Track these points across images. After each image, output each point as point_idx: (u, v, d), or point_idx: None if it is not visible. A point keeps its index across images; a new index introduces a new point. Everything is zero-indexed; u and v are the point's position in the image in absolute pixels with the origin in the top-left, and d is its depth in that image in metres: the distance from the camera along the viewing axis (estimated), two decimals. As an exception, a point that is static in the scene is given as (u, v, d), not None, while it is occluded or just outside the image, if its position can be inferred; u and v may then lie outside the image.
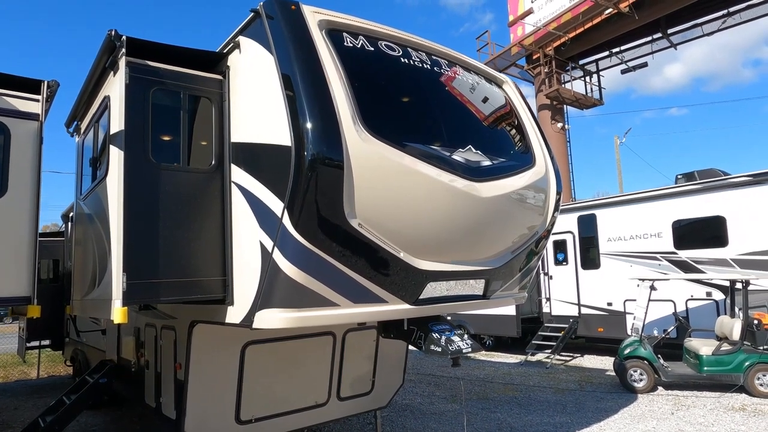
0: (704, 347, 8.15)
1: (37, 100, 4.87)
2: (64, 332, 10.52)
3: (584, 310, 11.79)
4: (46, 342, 11.24)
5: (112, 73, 4.26)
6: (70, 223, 7.85)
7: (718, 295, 9.78)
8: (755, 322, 8.29)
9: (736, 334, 8.04)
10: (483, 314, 12.03)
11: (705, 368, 7.98)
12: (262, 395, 5.24)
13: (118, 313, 3.67)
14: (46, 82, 4.95)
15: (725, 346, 8.05)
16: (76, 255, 5.92)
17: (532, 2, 22.15)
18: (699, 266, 9.93)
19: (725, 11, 19.70)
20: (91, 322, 8.21)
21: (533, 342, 11.96)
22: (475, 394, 8.71)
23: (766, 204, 9.20)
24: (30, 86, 4.89)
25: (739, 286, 8.31)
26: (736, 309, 8.55)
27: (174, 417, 5.08)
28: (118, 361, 6.91)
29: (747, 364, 7.82)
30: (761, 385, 7.73)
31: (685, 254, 10.18)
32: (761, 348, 7.96)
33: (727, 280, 8.86)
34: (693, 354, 8.32)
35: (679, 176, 11.91)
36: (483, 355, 12.86)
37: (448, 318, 11.78)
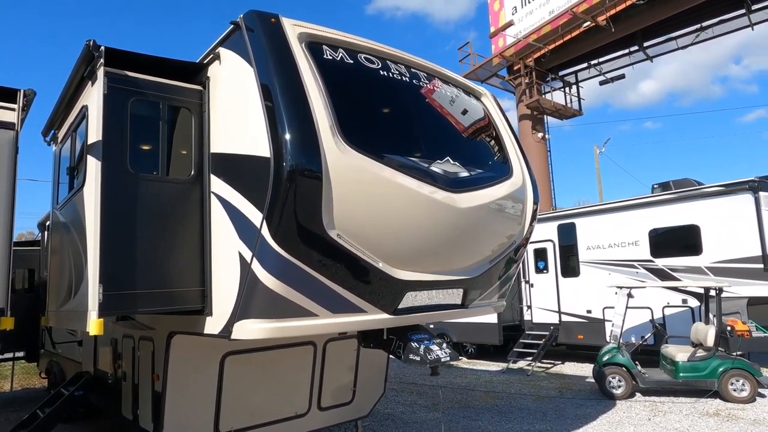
0: (680, 353, 8.31)
1: (13, 109, 4.81)
2: (39, 343, 10.30)
3: (564, 318, 11.93)
4: (21, 353, 10.99)
5: (90, 83, 4.24)
6: (46, 232, 7.73)
7: (693, 302, 9.99)
8: (728, 328, 8.49)
9: (710, 341, 8.21)
10: (465, 322, 12.09)
11: (681, 374, 8.13)
12: (242, 406, 5.20)
13: (94, 325, 3.63)
14: (22, 91, 4.90)
15: (700, 353, 8.22)
16: (52, 265, 5.83)
17: (512, 14, 22.54)
18: (675, 274, 10.15)
19: (698, 26, 20.28)
20: (67, 333, 8.06)
21: (515, 350, 12.05)
22: (456, 403, 8.75)
23: (738, 213, 9.45)
24: (6, 95, 4.83)
25: (713, 293, 8.50)
26: (711, 316, 8.74)
27: (151, 429, 5.02)
28: (95, 373, 6.80)
29: (721, 369, 7.99)
30: (735, 390, 7.90)
31: (661, 262, 10.40)
32: (734, 354, 8.14)
33: (701, 287, 9.06)
34: (669, 360, 8.48)
35: (655, 186, 12.17)
36: (465, 363, 12.91)
37: (431, 326, 11.76)
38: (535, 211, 5.38)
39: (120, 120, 3.96)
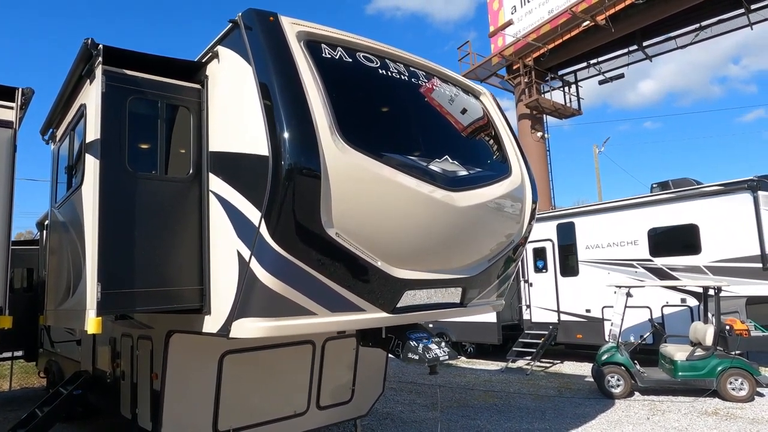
0: (679, 353, 8.32)
1: (11, 108, 4.80)
2: (38, 342, 10.29)
3: (563, 317, 11.94)
4: (19, 352, 10.98)
5: (88, 81, 4.23)
6: (44, 232, 7.72)
7: (692, 302, 10.00)
8: (727, 327, 8.50)
9: (709, 340, 8.22)
10: (464, 321, 12.09)
11: (679, 373, 8.14)
12: (241, 405, 5.20)
13: (92, 324, 3.63)
14: (20, 90, 4.90)
15: (699, 352, 8.23)
16: (50, 264, 5.83)
17: (512, 14, 22.53)
18: (673, 273, 10.15)
19: (697, 25, 20.29)
20: (66, 332, 8.06)
21: (514, 349, 12.05)
22: (455, 402, 8.75)
23: (737, 212, 9.46)
24: (4, 93, 4.82)
25: (711, 292, 8.51)
26: (709, 315, 8.75)
27: (150, 428, 5.01)
28: (93, 372, 6.80)
29: (719, 368, 7.99)
30: (733, 389, 7.91)
31: (660, 261, 10.40)
32: (733, 353, 8.15)
33: (700, 286, 9.07)
34: (668, 359, 8.49)
35: (654, 185, 12.16)
36: (464, 363, 12.91)
37: (430, 325, 11.76)
38: (533, 210, 5.37)
39: (118, 118, 3.95)
